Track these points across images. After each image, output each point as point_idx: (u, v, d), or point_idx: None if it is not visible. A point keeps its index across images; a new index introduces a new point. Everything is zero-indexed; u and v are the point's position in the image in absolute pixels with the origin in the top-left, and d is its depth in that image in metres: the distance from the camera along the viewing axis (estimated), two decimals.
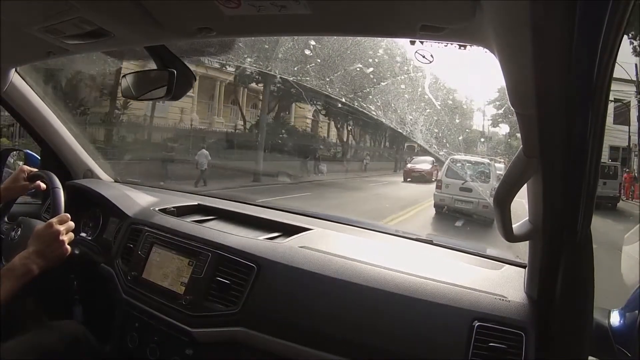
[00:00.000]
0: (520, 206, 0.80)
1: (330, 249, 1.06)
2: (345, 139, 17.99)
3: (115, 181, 1.73)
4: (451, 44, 0.68)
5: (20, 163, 1.52)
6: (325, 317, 0.92)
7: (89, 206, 1.46)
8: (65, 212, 1.08)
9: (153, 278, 1.13)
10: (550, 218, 0.71)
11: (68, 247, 1.00)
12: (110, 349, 1.16)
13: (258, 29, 0.81)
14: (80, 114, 8.74)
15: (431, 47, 0.73)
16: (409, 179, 12.16)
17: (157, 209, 1.35)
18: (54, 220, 1.00)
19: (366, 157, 17.18)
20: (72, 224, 1.03)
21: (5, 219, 1.24)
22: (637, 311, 0.86)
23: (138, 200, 1.43)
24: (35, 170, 1.20)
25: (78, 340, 1.03)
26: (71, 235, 1.02)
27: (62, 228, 0.99)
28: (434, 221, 6.74)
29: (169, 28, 0.80)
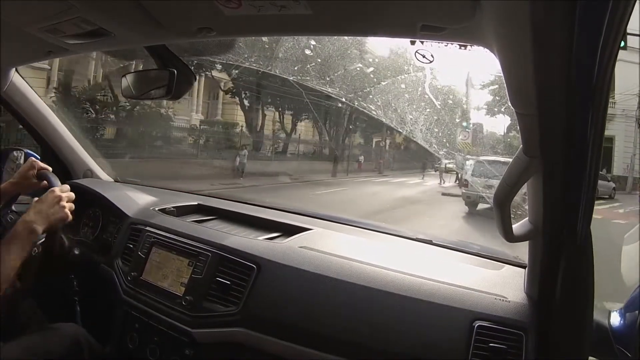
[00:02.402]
0: None
1: (330, 249, 1.06)
2: (259, 126, 13.61)
3: (116, 181, 1.73)
4: (451, 43, 0.68)
5: (21, 162, 1.52)
6: (325, 317, 0.91)
7: (88, 206, 1.45)
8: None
9: (153, 278, 1.13)
10: (550, 218, 0.71)
11: (69, 212, 1.01)
12: (110, 349, 1.15)
13: (258, 29, 0.81)
14: None
15: (431, 46, 0.73)
16: None
17: (157, 209, 1.35)
18: (55, 188, 1.01)
19: (242, 150, 11.09)
20: (72, 194, 1.04)
21: (13, 208, 1.23)
22: (637, 311, 0.86)
23: (138, 200, 1.43)
24: (46, 167, 1.16)
25: (78, 343, 1.02)
26: (71, 205, 1.03)
27: (63, 194, 1.01)
28: None
29: (169, 28, 0.80)
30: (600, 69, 0.48)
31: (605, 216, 7.25)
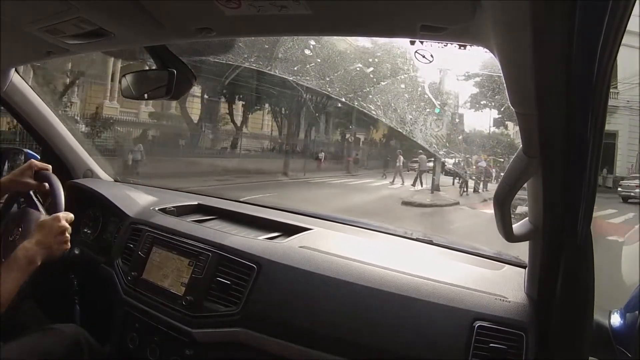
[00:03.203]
0: None
1: (331, 249, 1.06)
2: (200, 118, 11.85)
3: (116, 181, 1.73)
4: (451, 43, 0.68)
5: (21, 163, 1.52)
6: (325, 317, 0.92)
7: (89, 206, 1.46)
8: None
9: (153, 278, 1.13)
10: (550, 218, 0.71)
11: (69, 243, 1.00)
12: (110, 349, 1.16)
13: (258, 29, 0.81)
14: None
15: (431, 46, 0.73)
16: None
17: (157, 208, 1.35)
18: (60, 214, 0.99)
19: (135, 146, 9.70)
20: (71, 216, 1.03)
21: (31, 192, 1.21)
22: (637, 311, 0.86)
23: (138, 199, 1.43)
24: (45, 167, 1.14)
25: (78, 343, 1.02)
26: (68, 235, 1.01)
27: (67, 225, 0.99)
28: None
29: (169, 28, 0.80)
30: (600, 69, 0.48)
31: (598, 230, 5.61)
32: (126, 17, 0.78)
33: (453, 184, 10.55)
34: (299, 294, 0.96)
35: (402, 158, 12.49)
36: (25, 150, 1.56)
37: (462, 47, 0.69)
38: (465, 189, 9.89)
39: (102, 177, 1.69)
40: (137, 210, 1.35)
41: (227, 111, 12.91)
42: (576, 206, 0.66)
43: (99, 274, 1.25)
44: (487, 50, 0.61)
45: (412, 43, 0.73)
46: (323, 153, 14.55)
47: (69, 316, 1.22)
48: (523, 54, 0.49)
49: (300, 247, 1.08)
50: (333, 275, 0.95)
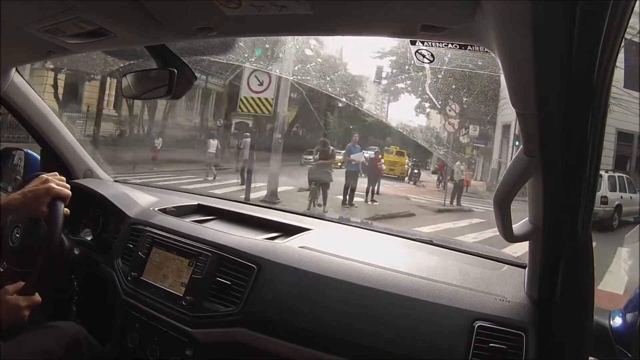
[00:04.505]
0: None
1: (330, 249, 1.06)
2: None
3: (116, 181, 1.73)
4: (452, 43, 0.68)
5: (21, 163, 1.52)
6: (325, 317, 0.92)
7: (89, 206, 1.45)
8: (63, 217, 1.03)
9: (153, 279, 1.13)
10: (550, 218, 0.71)
11: (27, 313, 0.96)
12: (110, 349, 1.15)
13: (258, 29, 0.81)
14: None
15: (431, 46, 0.73)
16: None
17: (157, 209, 1.35)
18: (23, 303, 0.95)
19: None
20: (39, 300, 0.99)
21: None
22: (637, 312, 0.86)
23: (138, 200, 1.43)
24: (62, 194, 1.02)
25: (78, 342, 1.02)
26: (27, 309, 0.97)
27: (24, 304, 0.96)
28: None
29: (169, 28, 0.80)
30: (600, 69, 0.49)
31: None
32: (126, 17, 0.78)
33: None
34: (299, 294, 0.96)
35: (214, 143, 9.34)
36: (25, 150, 1.56)
37: (462, 47, 0.69)
38: (315, 198, 6.34)
39: (102, 177, 1.68)
40: (137, 211, 1.35)
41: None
42: (576, 206, 0.66)
43: (99, 274, 1.25)
44: (488, 50, 0.61)
45: (413, 43, 0.73)
46: (160, 139, 11.07)
47: (69, 316, 1.22)
48: (523, 54, 0.50)
49: (300, 247, 1.08)
50: (333, 275, 0.95)
